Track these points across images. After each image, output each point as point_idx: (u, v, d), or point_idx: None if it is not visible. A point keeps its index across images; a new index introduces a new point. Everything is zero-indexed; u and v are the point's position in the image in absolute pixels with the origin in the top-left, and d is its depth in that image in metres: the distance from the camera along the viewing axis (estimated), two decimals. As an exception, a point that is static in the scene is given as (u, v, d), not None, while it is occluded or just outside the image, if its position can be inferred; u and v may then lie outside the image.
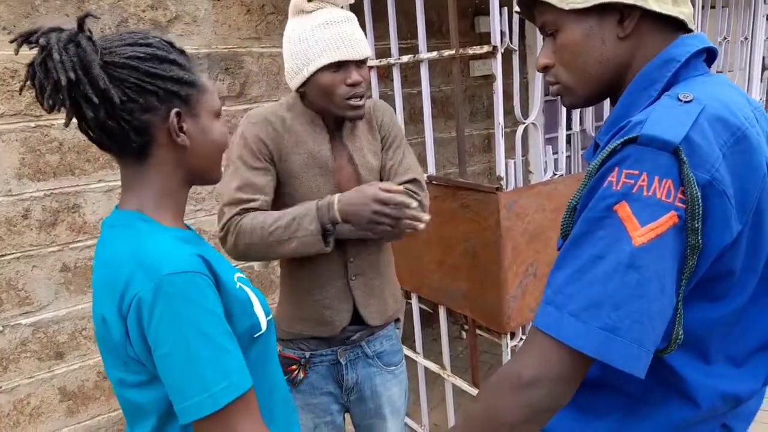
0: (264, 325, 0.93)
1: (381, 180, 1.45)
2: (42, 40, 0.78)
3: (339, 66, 1.29)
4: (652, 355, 0.67)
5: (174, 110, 0.85)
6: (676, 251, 0.66)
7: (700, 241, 0.66)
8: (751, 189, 0.70)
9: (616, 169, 0.68)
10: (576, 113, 2.37)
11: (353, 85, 1.31)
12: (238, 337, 0.85)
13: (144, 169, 0.89)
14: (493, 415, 0.72)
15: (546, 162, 2.11)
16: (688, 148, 0.66)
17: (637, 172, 0.66)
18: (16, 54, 0.83)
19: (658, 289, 0.66)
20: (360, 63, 1.33)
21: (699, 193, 0.65)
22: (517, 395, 0.70)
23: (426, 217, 1.28)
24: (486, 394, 0.76)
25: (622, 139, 0.69)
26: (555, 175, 2.07)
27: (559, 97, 0.88)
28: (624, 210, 0.66)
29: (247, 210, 1.32)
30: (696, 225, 0.65)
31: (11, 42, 0.82)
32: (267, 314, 0.95)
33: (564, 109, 2.18)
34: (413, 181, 1.43)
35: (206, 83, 0.91)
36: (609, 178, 0.69)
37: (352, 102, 1.32)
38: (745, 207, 0.70)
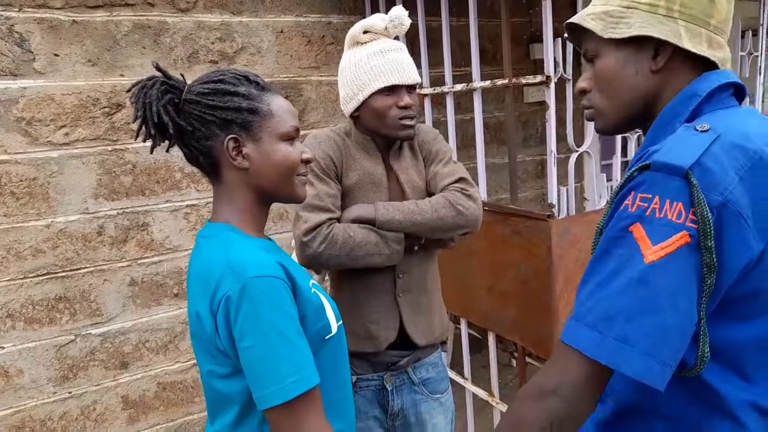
0: (334, 329, 1.00)
1: (428, 194, 1.49)
2: (135, 90, 0.98)
3: (391, 90, 1.38)
4: (671, 369, 0.69)
5: (229, 136, 0.95)
6: (691, 269, 0.70)
7: (715, 259, 0.69)
8: None
9: (632, 193, 0.74)
10: (633, 140, 2.33)
11: (404, 107, 1.39)
12: (311, 338, 0.93)
13: (223, 188, 1.01)
14: (517, 425, 0.76)
15: (600, 190, 2.08)
16: (699, 173, 0.70)
17: (650, 195, 0.72)
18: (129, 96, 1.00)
19: (670, 305, 0.69)
20: (410, 88, 1.41)
21: (710, 214, 0.68)
22: (538, 404, 0.74)
23: None
24: (511, 407, 0.80)
25: (637, 166, 0.75)
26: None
27: (592, 121, 0.94)
28: (638, 231, 0.71)
29: (331, 219, 1.38)
30: (709, 244, 0.69)
31: (127, 92, 1.01)
32: (338, 319, 1.03)
33: (620, 136, 2.16)
34: (460, 179, 1.45)
35: (273, 109, 0.98)
36: (626, 202, 0.74)
37: (405, 122, 1.40)
38: (767, 227, 0.71)
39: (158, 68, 0.99)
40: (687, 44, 0.80)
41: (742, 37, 2.73)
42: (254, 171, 0.97)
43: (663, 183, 0.71)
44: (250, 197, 1.00)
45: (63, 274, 2.19)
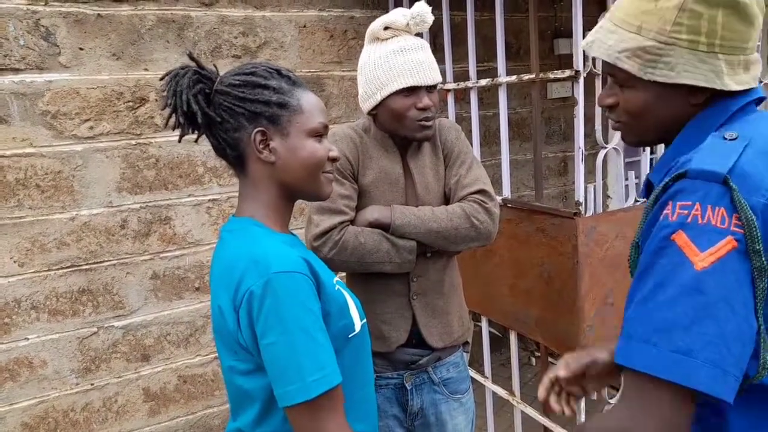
0: (358, 327, 0.99)
1: (446, 198, 1.47)
2: (167, 78, 0.98)
3: (410, 91, 1.35)
4: (736, 378, 0.66)
5: (257, 129, 0.94)
6: (743, 274, 0.68)
7: (765, 262, 0.67)
8: None
9: (670, 203, 0.72)
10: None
11: (423, 109, 1.36)
12: (334, 336, 0.91)
13: (248, 182, 1.00)
14: None
15: (627, 187, 2.04)
16: (737, 177, 0.69)
17: (690, 203, 0.70)
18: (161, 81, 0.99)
19: (728, 311, 0.66)
20: (430, 88, 1.38)
21: (754, 217, 0.67)
22: None
23: None
24: None
25: (672, 175, 0.74)
26: (637, 201, 2.00)
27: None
28: (681, 238, 0.69)
29: (344, 223, 1.37)
30: (757, 247, 0.67)
31: (160, 80, 1.00)
32: (361, 318, 1.01)
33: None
34: (481, 191, 1.43)
35: (302, 105, 0.97)
36: (665, 211, 0.72)
37: (423, 123, 1.37)
38: None
39: (192, 58, 0.98)
40: (728, 81, 0.79)
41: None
42: (280, 165, 0.97)
43: (702, 189, 0.70)
44: (275, 192, 0.99)
45: (86, 266, 2.20)
